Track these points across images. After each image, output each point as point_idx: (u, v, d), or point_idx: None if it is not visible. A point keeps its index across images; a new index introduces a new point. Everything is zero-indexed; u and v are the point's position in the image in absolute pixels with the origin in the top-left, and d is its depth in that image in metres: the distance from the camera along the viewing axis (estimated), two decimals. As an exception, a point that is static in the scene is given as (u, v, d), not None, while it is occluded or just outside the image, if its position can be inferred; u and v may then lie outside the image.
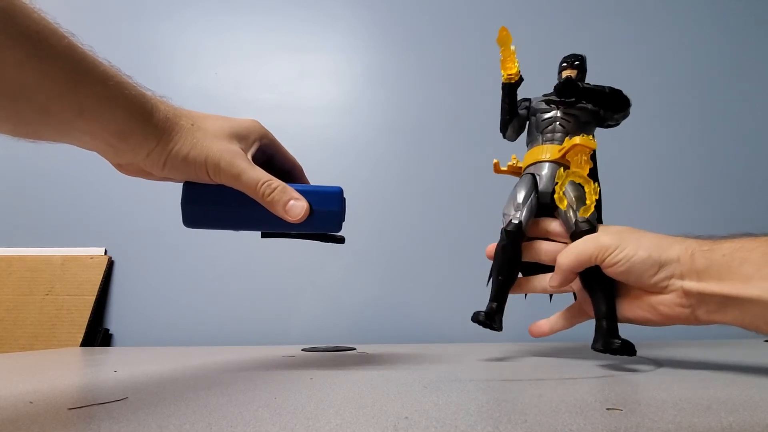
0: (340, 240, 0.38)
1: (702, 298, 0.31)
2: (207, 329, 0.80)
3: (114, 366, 0.42)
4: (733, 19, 0.91)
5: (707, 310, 0.31)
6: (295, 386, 0.28)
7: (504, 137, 0.47)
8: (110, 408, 0.22)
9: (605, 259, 0.34)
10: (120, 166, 0.31)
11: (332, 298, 0.82)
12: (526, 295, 0.45)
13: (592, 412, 0.20)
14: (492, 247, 0.43)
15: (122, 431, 0.18)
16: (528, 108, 0.45)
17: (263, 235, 0.37)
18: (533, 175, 0.42)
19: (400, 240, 0.84)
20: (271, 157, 0.37)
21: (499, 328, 0.40)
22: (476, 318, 0.40)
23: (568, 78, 0.42)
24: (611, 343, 0.34)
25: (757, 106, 0.88)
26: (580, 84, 0.41)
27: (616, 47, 0.89)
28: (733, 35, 0.90)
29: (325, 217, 0.34)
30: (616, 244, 0.34)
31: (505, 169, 0.47)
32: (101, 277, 0.80)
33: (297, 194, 0.33)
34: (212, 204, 0.33)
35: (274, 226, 0.34)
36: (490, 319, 0.40)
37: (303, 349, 0.57)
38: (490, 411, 0.21)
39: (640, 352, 0.34)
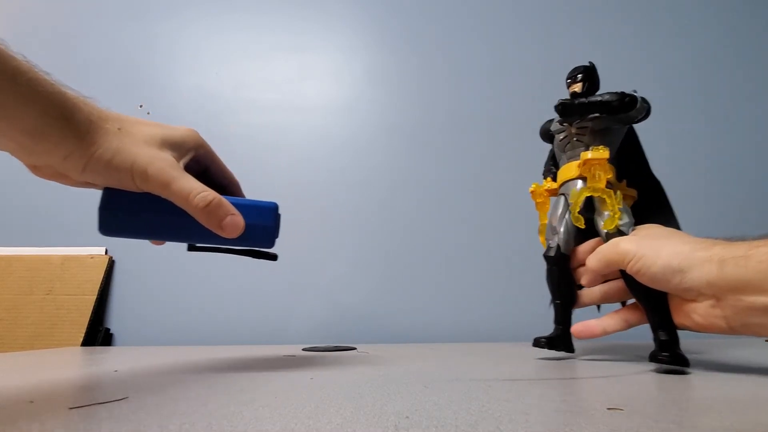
0: (273, 257, 0.36)
1: (738, 310, 0.29)
2: (207, 329, 0.80)
3: (114, 365, 0.42)
4: (733, 18, 0.91)
5: (744, 323, 0.29)
6: (295, 386, 0.28)
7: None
8: (111, 407, 0.22)
9: (626, 265, 0.34)
10: (35, 168, 0.29)
11: (332, 298, 0.82)
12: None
13: (593, 411, 0.20)
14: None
15: (123, 431, 0.18)
16: (552, 135, 0.47)
17: (189, 248, 0.35)
18: (564, 196, 0.44)
19: (400, 240, 0.84)
20: (207, 169, 0.35)
21: (572, 350, 0.41)
22: (538, 344, 0.41)
23: (561, 102, 0.43)
24: (657, 354, 0.33)
25: (762, 106, 0.88)
26: (575, 102, 0.42)
27: (618, 49, 0.89)
28: (736, 36, 0.90)
29: (259, 233, 0.32)
30: (633, 251, 0.33)
31: (543, 191, 0.48)
32: (102, 276, 0.81)
33: (233, 209, 0.31)
34: (135, 212, 0.30)
35: (202, 239, 0.32)
36: (554, 344, 0.41)
37: (303, 349, 0.57)
38: (491, 410, 0.21)
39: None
